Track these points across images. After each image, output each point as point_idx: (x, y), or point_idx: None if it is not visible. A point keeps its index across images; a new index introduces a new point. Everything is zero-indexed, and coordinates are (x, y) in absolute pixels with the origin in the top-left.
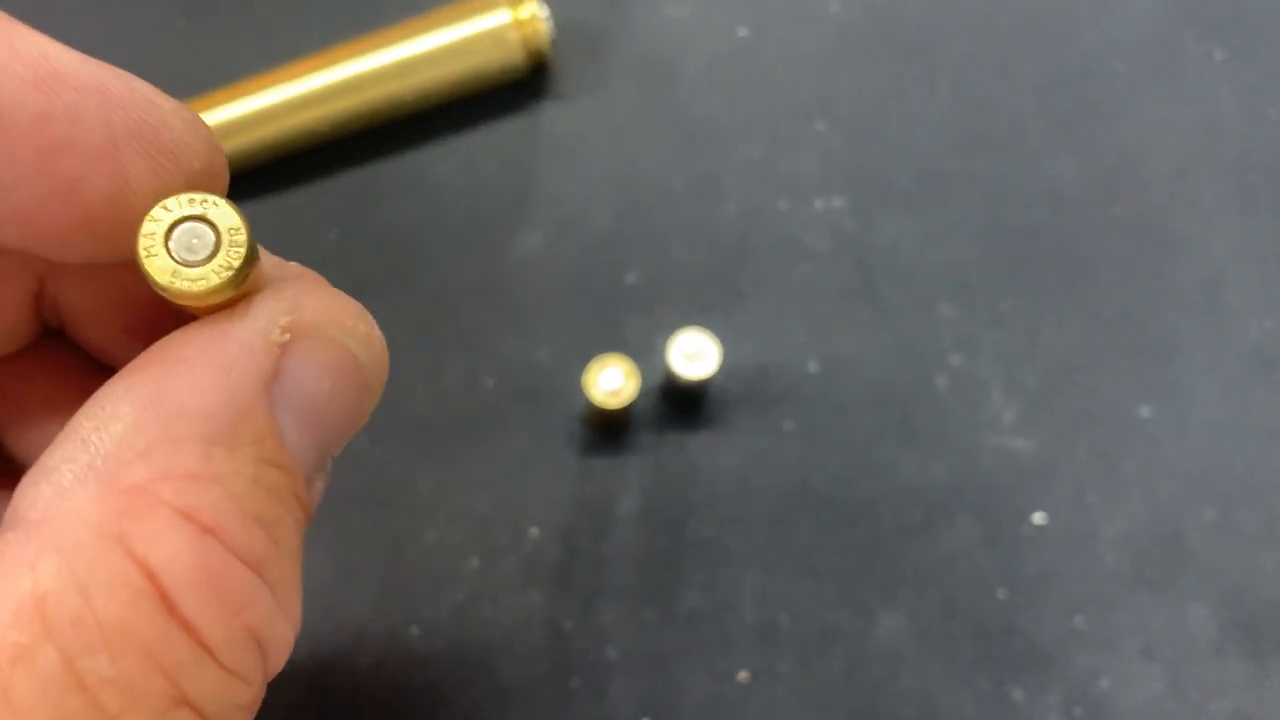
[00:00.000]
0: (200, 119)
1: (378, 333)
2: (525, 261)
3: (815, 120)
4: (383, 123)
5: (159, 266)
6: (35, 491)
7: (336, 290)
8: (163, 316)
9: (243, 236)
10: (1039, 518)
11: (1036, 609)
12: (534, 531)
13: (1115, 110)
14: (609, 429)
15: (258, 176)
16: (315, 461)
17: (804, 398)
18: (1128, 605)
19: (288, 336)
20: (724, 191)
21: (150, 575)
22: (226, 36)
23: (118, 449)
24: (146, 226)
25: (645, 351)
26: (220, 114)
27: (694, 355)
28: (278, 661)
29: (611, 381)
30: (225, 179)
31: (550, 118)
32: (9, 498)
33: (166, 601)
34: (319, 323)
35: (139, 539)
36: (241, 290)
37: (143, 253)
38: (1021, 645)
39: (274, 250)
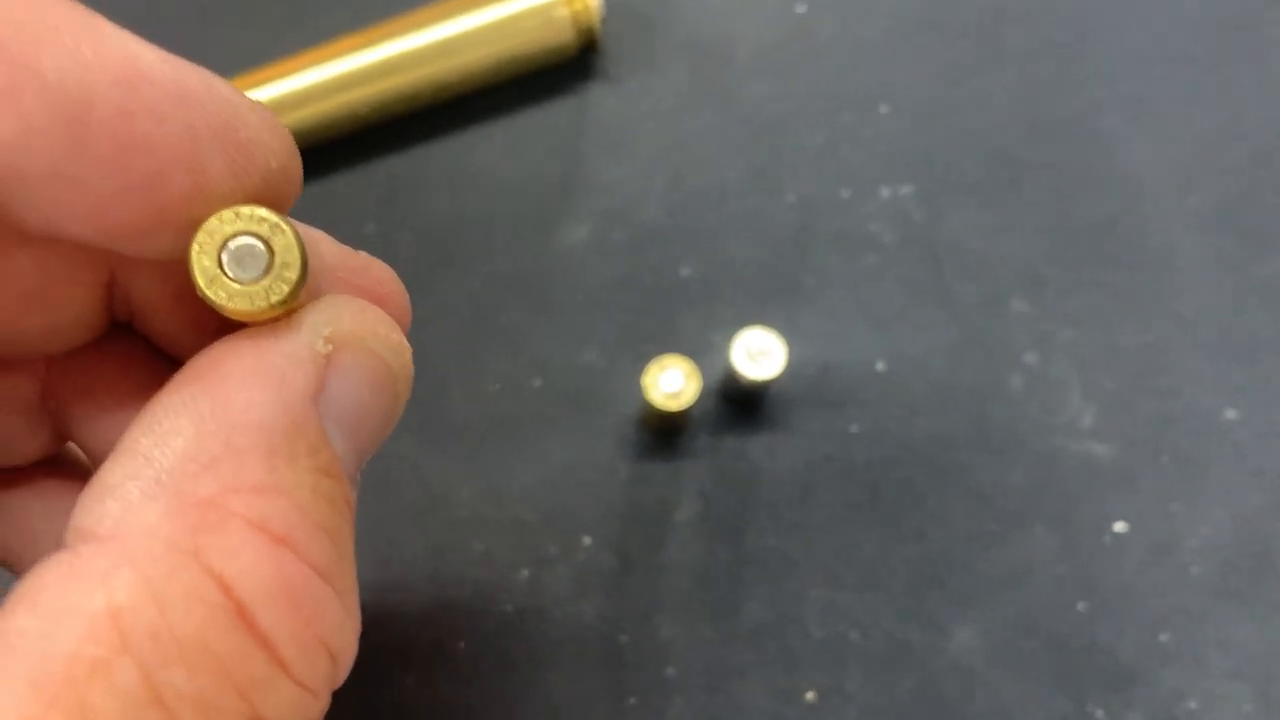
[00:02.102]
0: (276, 119)
1: (405, 342)
2: (572, 255)
3: (878, 104)
4: (425, 106)
5: (204, 269)
6: (102, 507)
7: (368, 303)
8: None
9: (293, 273)
10: (1120, 526)
11: (1118, 623)
12: (586, 540)
13: (1192, 95)
14: (665, 432)
15: None
16: (354, 469)
17: (870, 398)
18: (1214, 620)
19: (330, 348)
20: (782, 180)
21: (226, 589)
22: (259, 14)
23: (182, 464)
24: (209, 225)
25: (702, 350)
26: (253, 97)
27: (758, 354)
28: (344, 673)
29: (672, 383)
30: (300, 179)
31: (598, 101)
32: (58, 494)
33: (243, 615)
34: (357, 333)
35: (214, 553)
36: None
37: (195, 249)
38: (1103, 661)
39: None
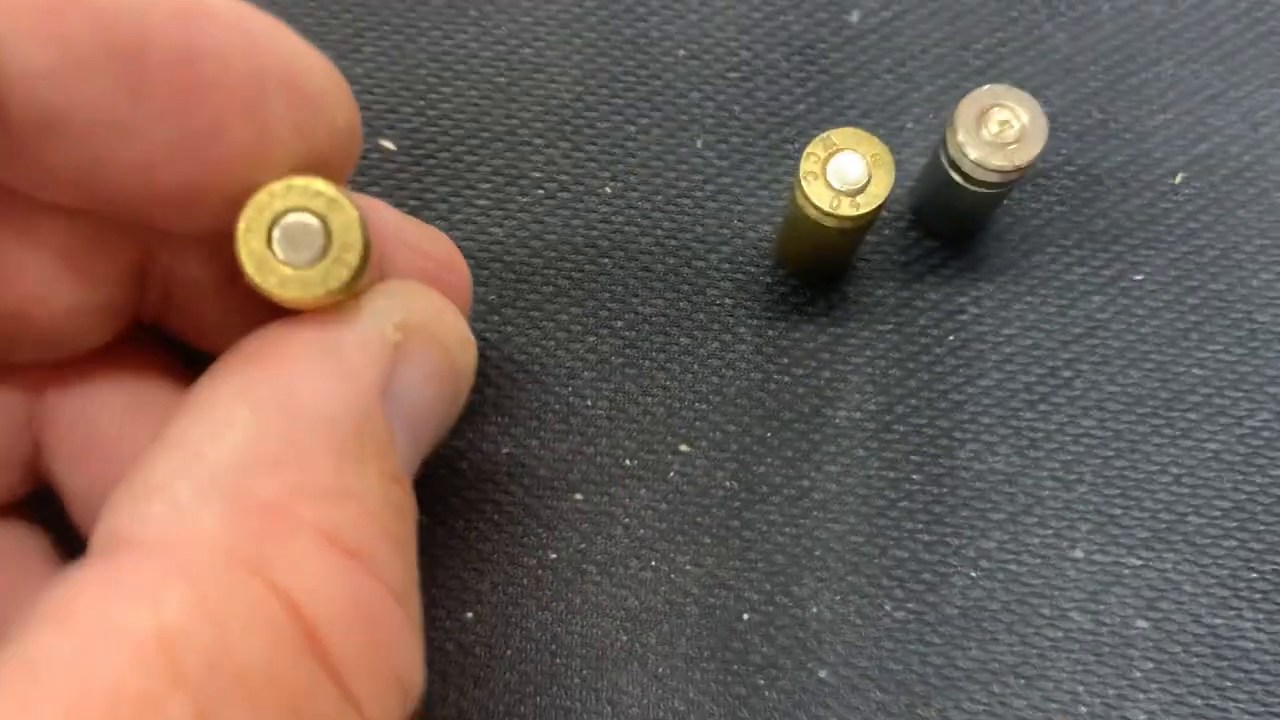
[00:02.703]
0: (340, 74)
1: (471, 335)
2: None
3: None
4: None
5: (252, 252)
6: (146, 509)
7: (434, 291)
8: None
9: (355, 255)
10: None
11: None
12: (684, 449)
13: None
14: (820, 270)
15: None
16: (412, 474)
17: (1170, 224)
18: None
19: (400, 336)
20: None
21: (295, 610)
22: None
23: (242, 460)
24: (257, 199)
25: (885, 139)
26: None
27: (1002, 131)
28: (411, 711)
29: (848, 172)
30: (360, 140)
31: None
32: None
33: (313, 643)
34: (425, 323)
35: (280, 567)
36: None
37: (242, 227)
38: None
39: None
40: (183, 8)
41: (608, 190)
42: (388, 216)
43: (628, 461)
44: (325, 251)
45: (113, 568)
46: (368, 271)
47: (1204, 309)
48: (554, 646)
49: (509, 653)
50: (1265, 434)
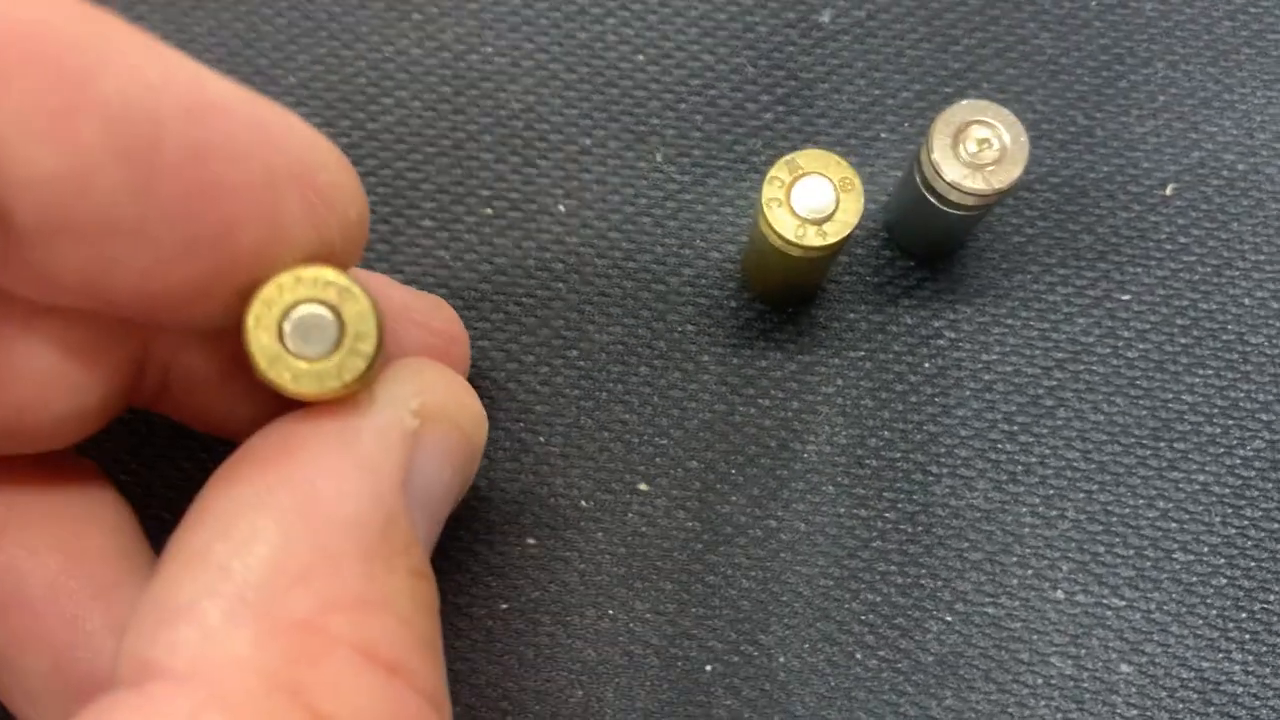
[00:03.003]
0: (349, 163)
1: (484, 411)
2: None
3: None
4: None
5: (263, 347)
6: (174, 635)
7: (448, 369)
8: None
9: (370, 345)
10: None
11: None
12: (642, 488)
13: None
14: (788, 297)
15: None
16: (430, 554)
17: (1159, 239)
18: None
19: (418, 423)
20: None
21: None
22: None
23: (271, 576)
24: (265, 293)
25: (856, 152)
26: None
27: (981, 150)
28: None
29: (814, 199)
30: (366, 230)
31: None
32: None
33: None
34: (443, 407)
35: (320, 690)
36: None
37: (251, 322)
38: None
39: None
40: (195, 105)
41: (561, 209)
42: (393, 293)
43: (584, 502)
44: (339, 343)
45: (144, 699)
46: (381, 359)
47: (1194, 331)
48: (505, 703)
49: (457, 710)
50: (1257, 464)
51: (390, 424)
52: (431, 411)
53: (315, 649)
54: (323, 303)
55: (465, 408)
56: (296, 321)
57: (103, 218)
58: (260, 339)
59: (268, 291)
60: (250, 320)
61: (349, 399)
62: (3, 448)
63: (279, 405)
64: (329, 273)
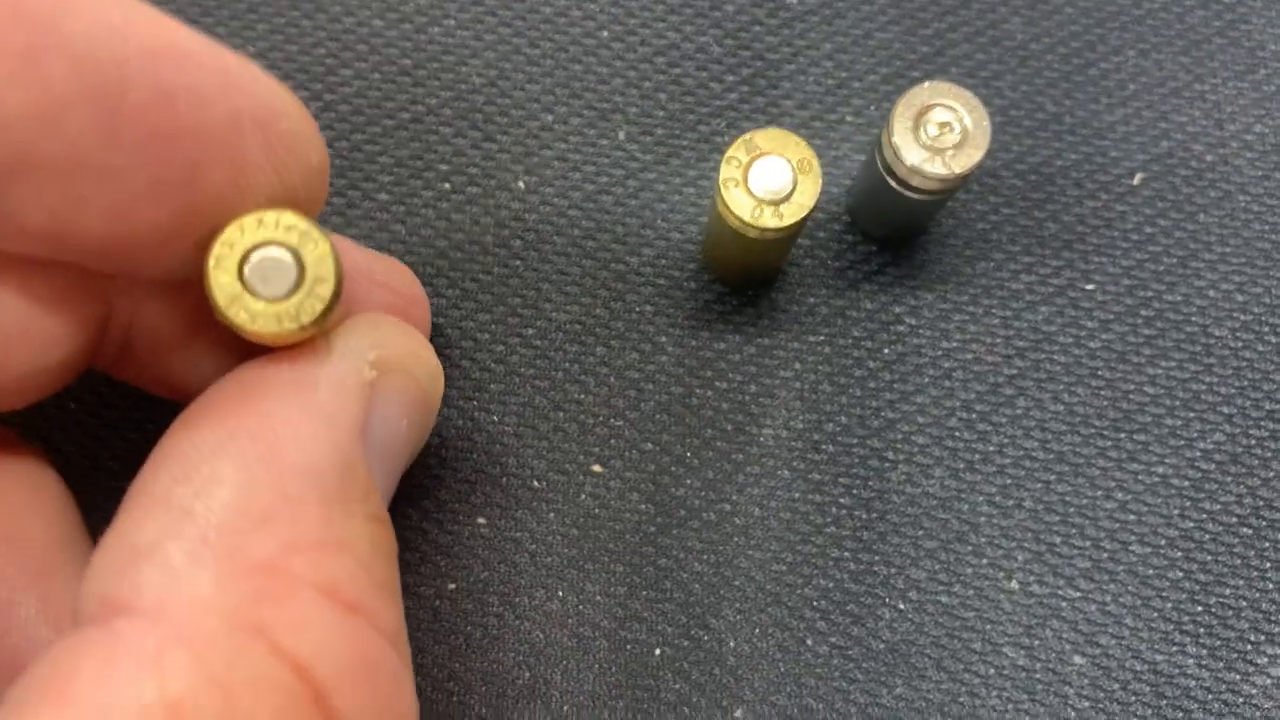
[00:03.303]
0: (308, 111)
1: (439, 365)
2: None
3: None
4: None
5: (223, 286)
6: (137, 575)
7: (405, 323)
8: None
9: (328, 288)
10: None
11: None
12: (595, 470)
13: None
14: (746, 280)
15: None
16: (388, 504)
17: (1125, 228)
18: None
19: (375, 374)
20: None
21: (302, 671)
22: None
23: (232, 518)
24: (227, 235)
25: (819, 135)
26: None
27: (942, 134)
28: None
29: (771, 180)
30: (327, 179)
31: None
32: None
33: (322, 703)
34: (400, 359)
35: (283, 628)
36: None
37: (212, 263)
38: None
39: None
40: (160, 48)
41: (521, 185)
42: (355, 255)
43: (536, 483)
44: (298, 285)
45: (110, 637)
46: (339, 305)
47: (1158, 322)
48: (451, 684)
49: None
50: (1217, 457)
51: (348, 374)
52: (388, 363)
53: (277, 589)
54: (283, 245)
55: (422, 361)
56: (256, 263)
57: (71, 157)
58: (220, 279)
59: (229, 233)
60: (211, 260)
61: (307, 345)
62: None
63: (238, 362)
64: (290, 216)
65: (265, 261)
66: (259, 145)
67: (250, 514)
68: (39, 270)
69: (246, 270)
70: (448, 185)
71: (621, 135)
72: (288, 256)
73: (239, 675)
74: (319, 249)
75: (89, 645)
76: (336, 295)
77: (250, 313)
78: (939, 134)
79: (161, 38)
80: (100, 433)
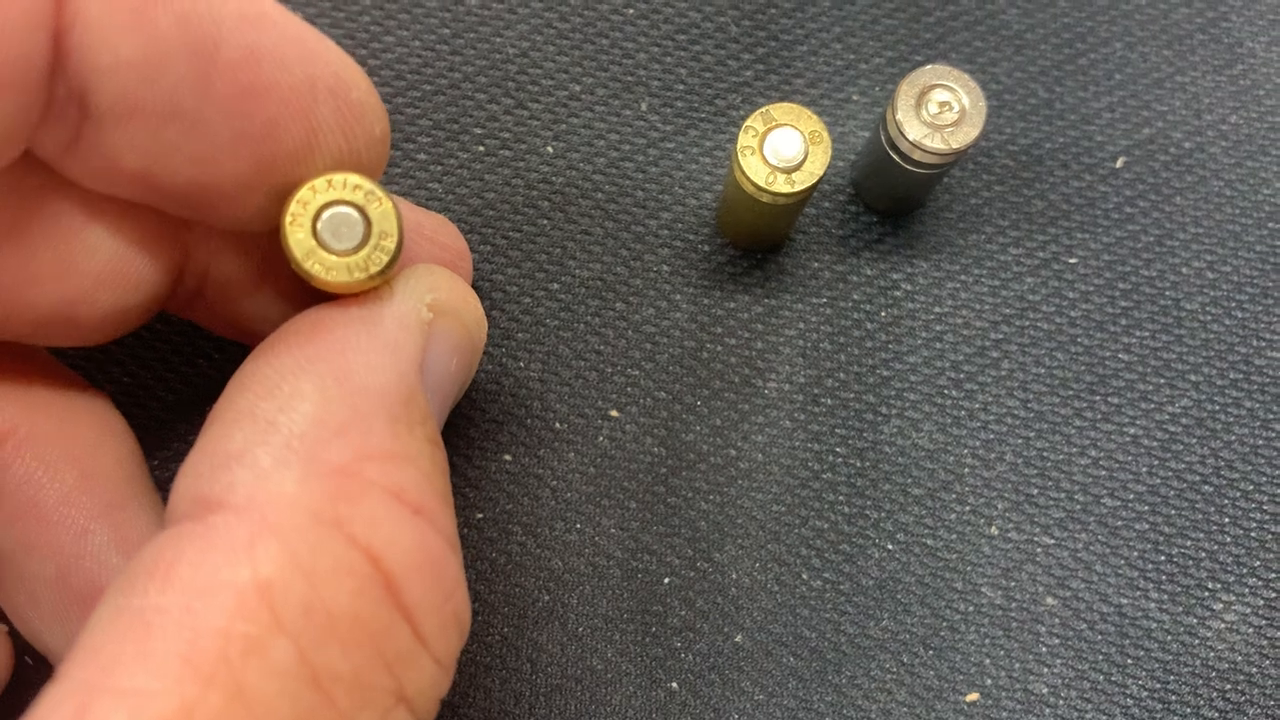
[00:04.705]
0: (374, 86)
1: (482, 310)
2: None
3: None
4: None
5: (299, 242)
6: (230, 475)
7: (454, 274)
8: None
9: (392, 242)
10: None
11: None
12: (613, 414)
13: None
14: (757, 244)
15: None
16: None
17: (1107, 208)
18: None
19: (432, 315)
20: None
21: (375, 561)
22: None
23: (313, 429)
24: (301, 195)
25: (828, 112)
26: None
27: (941, 112)
28: (461, 648)
29: (785, 149)
30: (388, 147)
31: None
32: None
33: (391, 589)
34: (452, 304)
35: (358, 523)
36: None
37: (288, 219)
38: None
39: None
40: (250, 13)
41: (549, 150)
42: (408, 211)
43: (558, 425)
44: (366, 239)
45: (207, 528)
46: (401, 257)
47: (1134, 295)
48: (476, 604)
49: None
50: (1184, 421)
51: (409, 313)
52: (442, 306)
53: (353, 489)
54: (351, 204)
55: (470, 307)
56: (328, 220)
57: (167, 105)
58: (296, 234)
59: (303, 193)
60: (287, 218)
61: (372, 291)
62: (48, 338)
63: (305, 307)
64: (356, 178)
65: (336, 218)
66: (330, 110)
67: (328, 425)
68: (128, 216)
69: (319, 227)
70: (481, 148)
71: (644, 106)
72: (355, 214)
73: (321, 561)
74: (383, 206)
75: (189, 536)
76: (399, 248)
77: (324, 265)
78: (939, 112)
79: (253, 5)
80: (152, 363)
